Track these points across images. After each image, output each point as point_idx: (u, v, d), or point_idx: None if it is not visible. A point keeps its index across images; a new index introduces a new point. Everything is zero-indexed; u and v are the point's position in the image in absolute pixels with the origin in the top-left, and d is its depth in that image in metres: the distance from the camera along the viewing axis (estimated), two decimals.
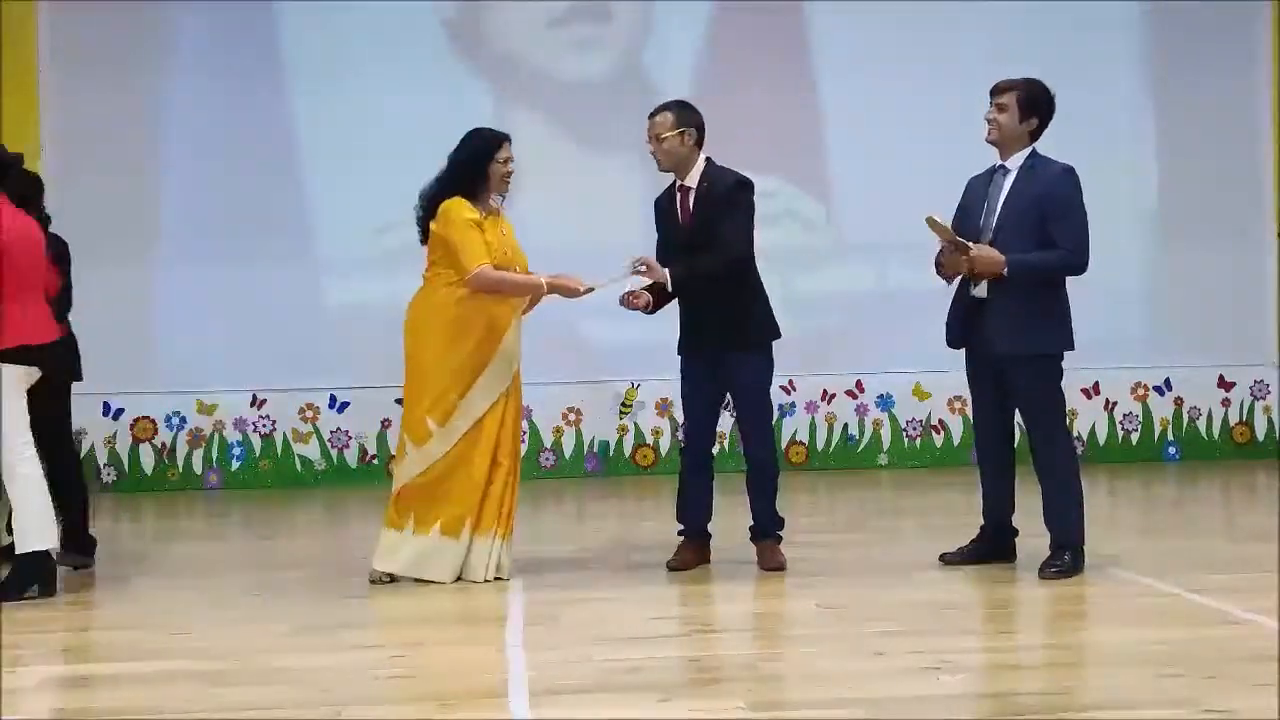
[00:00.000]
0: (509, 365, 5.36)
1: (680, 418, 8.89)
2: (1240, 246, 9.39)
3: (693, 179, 5.53)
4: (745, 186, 5.54)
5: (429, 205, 5.38)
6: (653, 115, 5.53)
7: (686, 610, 5.03)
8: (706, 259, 5.42)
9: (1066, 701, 3.70)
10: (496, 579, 5.33)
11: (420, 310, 5.38)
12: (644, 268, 5.39)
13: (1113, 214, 8.51)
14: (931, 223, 5.23)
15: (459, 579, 5.30)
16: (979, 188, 5.50)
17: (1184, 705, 3.58)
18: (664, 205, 5.65)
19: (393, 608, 5.10)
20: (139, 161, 8.74)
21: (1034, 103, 5.35)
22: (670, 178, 5.63)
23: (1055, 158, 5.40)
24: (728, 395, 5.67)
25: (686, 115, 5.52)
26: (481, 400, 5.30)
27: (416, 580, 5.34)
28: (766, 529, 5.63)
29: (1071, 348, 5.39)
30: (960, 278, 5.43)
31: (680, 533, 5.68)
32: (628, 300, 5.46)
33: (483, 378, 5.31)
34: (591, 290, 5.40)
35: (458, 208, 5.29)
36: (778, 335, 5.64)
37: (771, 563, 5.55)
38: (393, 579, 5.36)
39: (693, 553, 5.62)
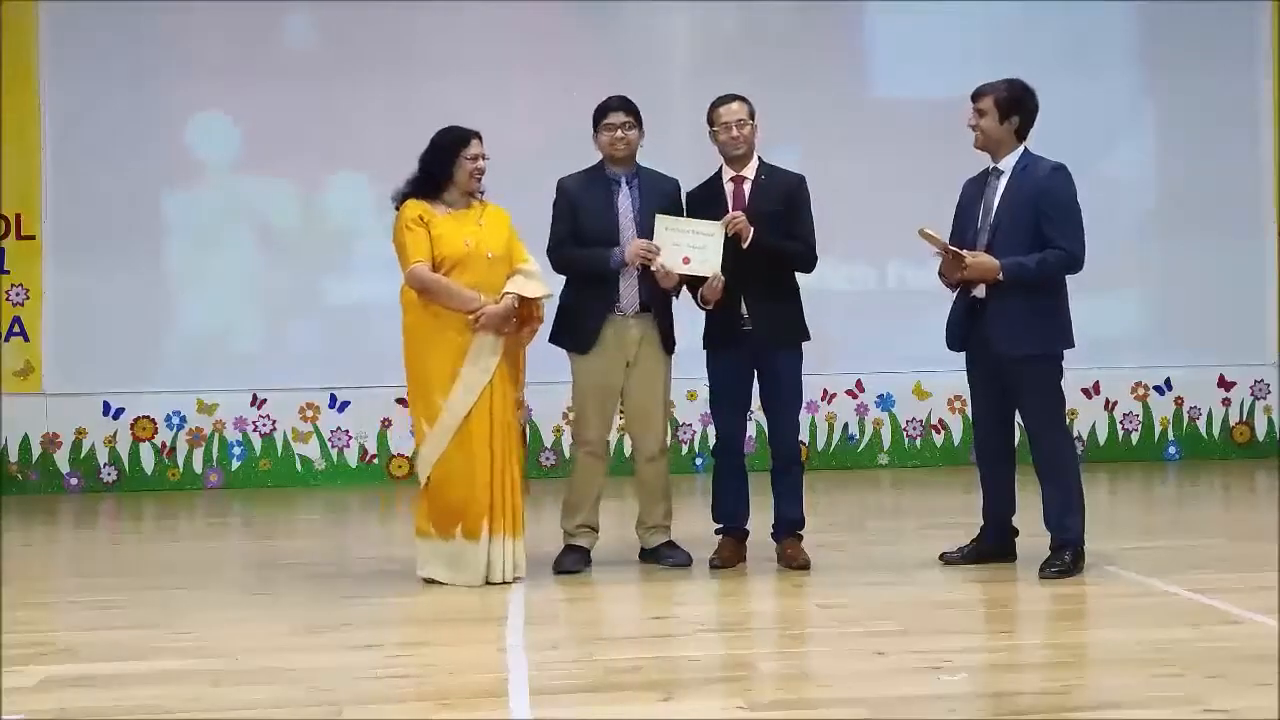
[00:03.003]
0: (488, 359, 5.30)
1: (681, 418, 8.98)
2: (1240, 246, 9.38)
3: (749, 170, 5.60)
4: (805, 183, 5.66)
5: (399, 209, 5.43)
6: (726, 103, 5.58)
7: (686, 610, 5.03)
8: (793, 243, 5.54)
9: (1066, 701, 3.70)
10: (516, 579, 5.33)
11: (402, 314, 5.41)
12: (737, 223, 5.41)
13: (1112, 213, 8.54)
14: (924, 235, 5.23)
15: (486, 581, 5.28)
16: (974, 190, 5.50)
17: (1184, 705, 3.58)
18: (704, 197, 5.64)
19: (393, 608, 5.10)
20: (139, 161, 8.73)
21: (1013, 103, 5.34)
22: (696, 175, 5.68)
23: (1055, 156, 5.40)
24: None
25: (752, 107, 5.61)
26: (464, 398, 5.27)
27: (427, 581, 5.34)
28: (793, 526, 5.66)
29: (1071, 345, 5.39)
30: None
31: (719, 531, 5.74)
32: (713, 289, 5.45)
33: (462, 375, 5.28)
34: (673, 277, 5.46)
35: (404, 210, 5.35)
36: (809, 337, 5.70)
37: (796, 561, 5.58)
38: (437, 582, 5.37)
39: (734, 550, 5.68)
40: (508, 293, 5.32)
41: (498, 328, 5.29)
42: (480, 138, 5.41)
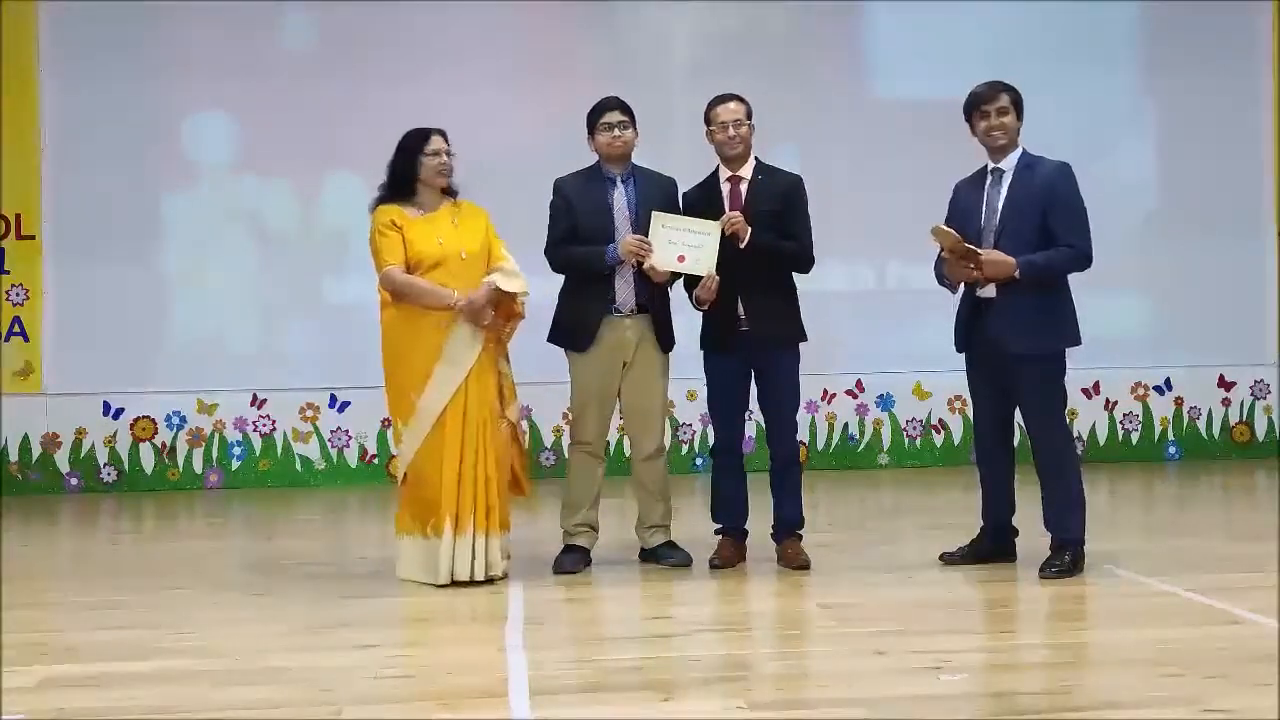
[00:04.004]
0: (464, 356, 5.30)
1: (681, 418, 8.98)
2: (1240, 246, 9.39)
3: (746, 170, 5.60)
4: (802, 183, 5.65)
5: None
6: (723, 103, 5.57)
7: (686, 610, 5.03)
8: (790, 243, 5.54)
9: (1066, 701, 3.70)
10: (490, 579, 5.31)
11: (380, 317, 5.42)
12: (735, 223, 5.41)
13: (1113, 213, 8.51)
14: (940, 232, 5.20)
15: (453, 581, 5.26)
16: (971, 191, 5.49)
17: (1184, 705, 3.58)
18: (700, 197, 5.64)
19: (393, 608, 5.10)
20: (140, 161, 8.73)
21: (1020, 101, 5.40)
22: (696, 176, 5.68)
23: (1056, 156, 5.41)
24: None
25: (749, 107, 5.61)
26: (437, 397, 5.27)
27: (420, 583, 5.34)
28: (793, 527, 5.67)
29: (1079, 342, 5.40)
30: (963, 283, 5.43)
31: (719, 531, 5.74)
32: (707, 289, 5.44)
33: (435, 373, 5.28)
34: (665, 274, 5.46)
35: (377, 215, 5.37)
36: (806, 337, 5.69)
37: (796, 561, 5.58)
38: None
39: (733, 550, 5.69)
40: (486, 281, 5.32)
41: (477, 318, 5.28)
42: (443, 134, 5.42)
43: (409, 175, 5.39)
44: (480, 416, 5.32)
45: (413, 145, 5.39)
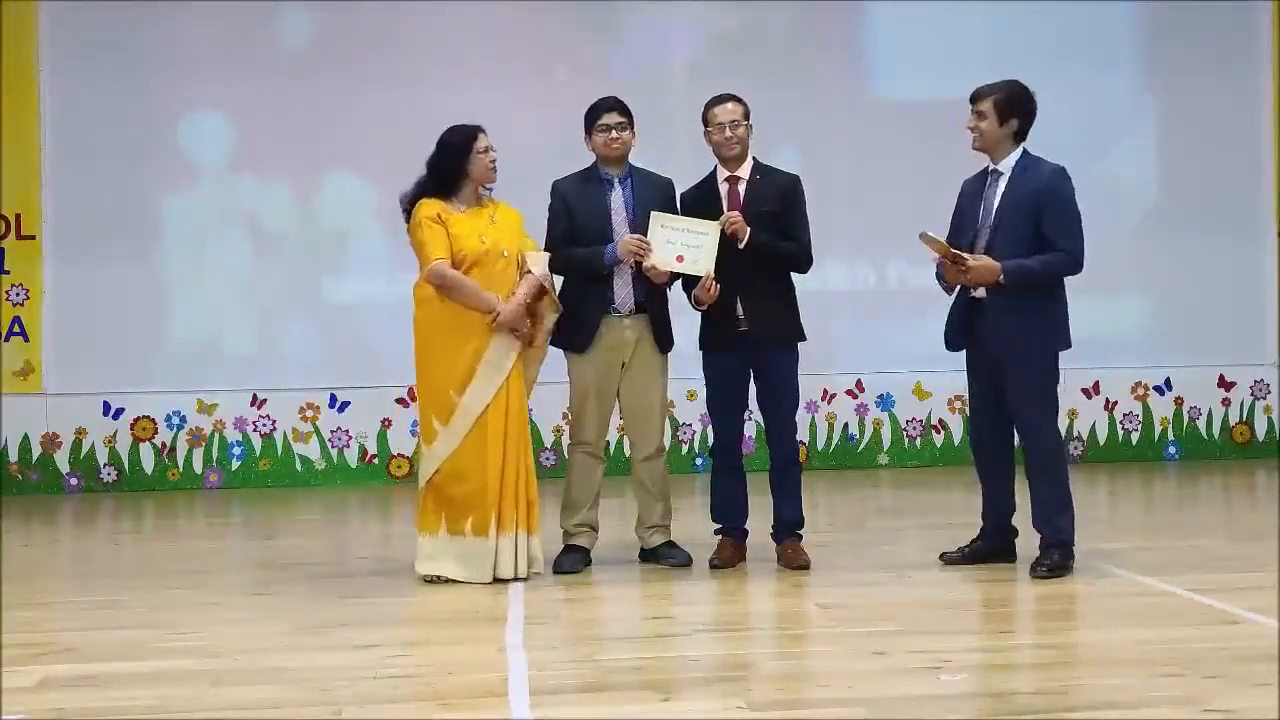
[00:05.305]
0: (505, 357, 5.33)
1: (681, 418, 8.98)
2: (1240, 246, 9.39)
3: (744, 170, 5.59)
4: (800, 183, 5.64)
5: (408, 210, 5.42)
6: (721, 103, 5.57)
7: (686, 610, 5.04)
8: (789, 243, 5.53)
9: (1066, 701, 3.70)
10: (534, 574, 5.36)
11: (415, 311, 5.41)
12: (734, 223, 5.41)
13: (1113, 213, 8.55)
14: (926, 239, 5.21)
15: (495, 579, 5.29)
16: (973, 190, 5.50)
17: (1184, 705, 3.58)
18: (699, 197, 5.64)
19: (393, 608, 5.10)
20: (139, 161, 8.73)
21: (1011, 105, 5.35)
22: (696, 176, 5.68)
23: (1057, 157, 5.41)
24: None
25: (747, 107, 5.60)
26: (480, 395, 5.29)
27: (430, 579, 5.34)
28: (793, 527, 5.67)
29: (1069, 346, 5.40)
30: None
31: (718, 531, 5.74)
32: (707, 288, 5.43)
33: (479, 373, 5.30)
34: (663, 274, 5.46)
35: (420, 208, 5.36)
36: (804, 337, 5.69)
37: (796, 561, 5.58)
38: (441, 579, 5.36)
39: (733, 550, 5.68)
40: (527, 272, 5.38)
41: (515, 325, 5.31)
42: (485, 131, 5.45)
43: (456, 171, 5.38)
44: (520, 415, 5.38)
45: (463, 143, 5.38)
